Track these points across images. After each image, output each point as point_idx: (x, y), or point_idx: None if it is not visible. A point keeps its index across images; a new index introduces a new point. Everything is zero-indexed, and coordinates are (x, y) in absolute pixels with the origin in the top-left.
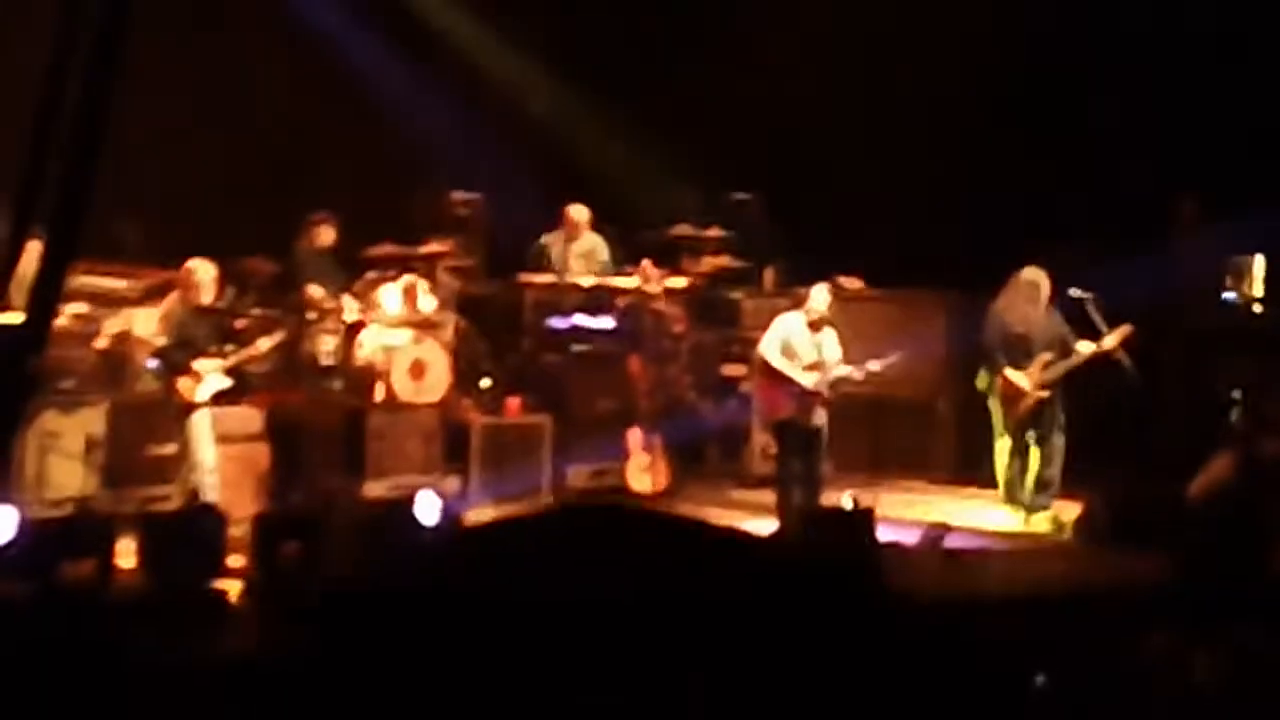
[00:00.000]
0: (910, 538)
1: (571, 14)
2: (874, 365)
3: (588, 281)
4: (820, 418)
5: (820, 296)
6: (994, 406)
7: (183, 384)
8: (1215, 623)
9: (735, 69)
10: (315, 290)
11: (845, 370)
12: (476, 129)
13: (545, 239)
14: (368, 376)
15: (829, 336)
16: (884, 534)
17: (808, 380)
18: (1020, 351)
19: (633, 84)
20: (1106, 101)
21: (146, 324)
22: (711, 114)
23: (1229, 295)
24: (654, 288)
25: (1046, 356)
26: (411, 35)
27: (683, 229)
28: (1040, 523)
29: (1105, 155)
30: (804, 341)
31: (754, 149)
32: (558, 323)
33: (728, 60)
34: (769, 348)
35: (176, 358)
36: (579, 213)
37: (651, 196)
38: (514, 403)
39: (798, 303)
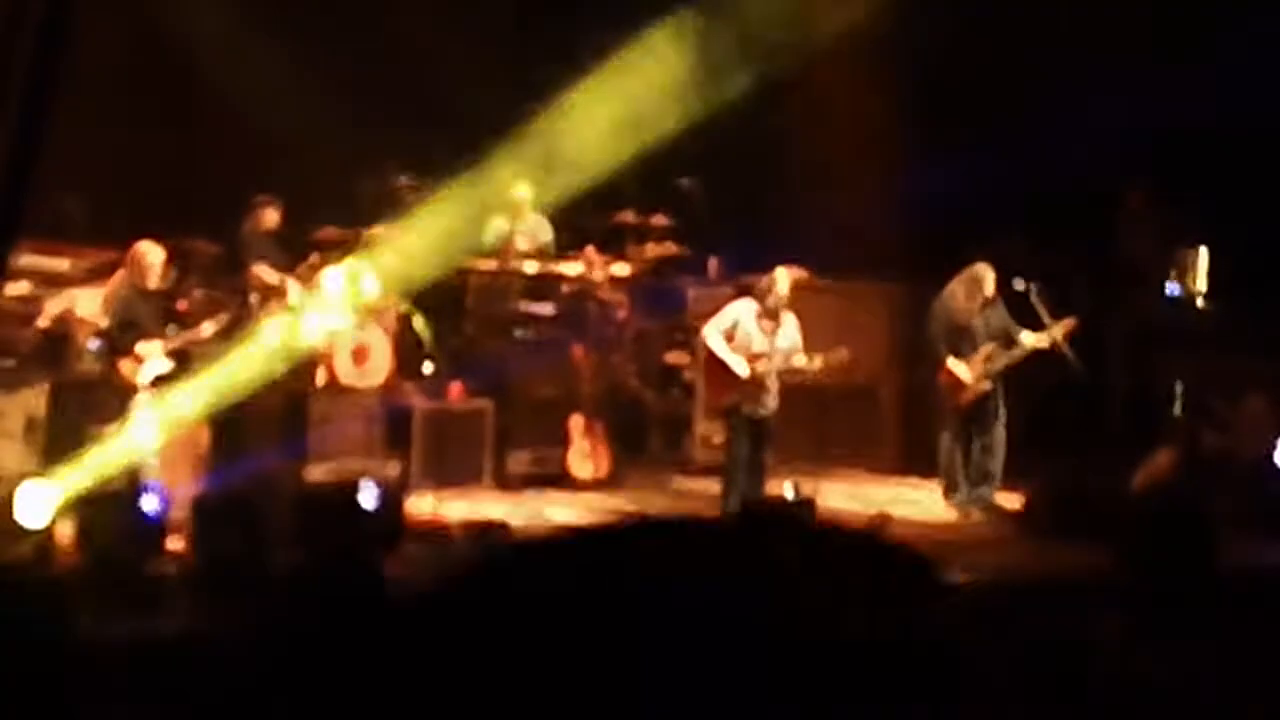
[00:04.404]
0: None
1: None
2: (817, 361)
3: (531, 268)
4: (770, 405)
5: (774, 283)
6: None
7: (125, 365)
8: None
9: None
10: (266, 271)
11: (798, 361)
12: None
13: (493, 221)
14: (310, 360)
15: (787, 325)
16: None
17: (742, 368)
18: (964, 343)
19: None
20: (1051, 89)
21: (90, 305)
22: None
23: (1173, 288)
24: (598, 274)
25: (989, 348)
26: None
27: (627, 216)
28: (979, 514)
29: (1051, 144)
30: (754, 329)
31: (696, 137)
32: None
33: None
34: (711, 332)
35: (119, 339)
36: (521, 192)
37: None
38: (456, 388)
39: (742, 291)
